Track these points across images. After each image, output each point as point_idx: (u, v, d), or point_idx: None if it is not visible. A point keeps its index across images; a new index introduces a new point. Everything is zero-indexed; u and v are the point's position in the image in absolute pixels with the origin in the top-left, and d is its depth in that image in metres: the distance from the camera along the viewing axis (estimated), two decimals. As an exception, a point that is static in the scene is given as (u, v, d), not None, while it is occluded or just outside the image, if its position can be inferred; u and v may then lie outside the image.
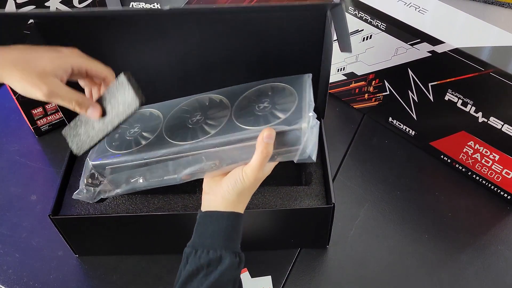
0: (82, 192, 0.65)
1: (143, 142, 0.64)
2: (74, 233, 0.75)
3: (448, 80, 0.78)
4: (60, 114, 0.97)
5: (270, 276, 0.76)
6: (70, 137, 0.64)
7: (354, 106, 1.01)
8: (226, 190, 0.59)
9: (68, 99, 0.55)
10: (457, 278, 0.76)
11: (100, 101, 0.59)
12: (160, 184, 0.64)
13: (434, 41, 0.77)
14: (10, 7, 0.76)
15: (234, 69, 0.78)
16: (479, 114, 0.78)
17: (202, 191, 0.63)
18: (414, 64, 0.82)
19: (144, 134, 0.66)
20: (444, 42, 0.76)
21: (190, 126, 0.64)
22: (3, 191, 0.89)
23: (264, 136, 0.56)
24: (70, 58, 0.56)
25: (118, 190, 0.65)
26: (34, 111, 0.93)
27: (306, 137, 0.57)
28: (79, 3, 0.81)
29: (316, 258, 0.79)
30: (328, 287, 0.75)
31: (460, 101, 0.79)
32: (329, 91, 1.00)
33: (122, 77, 0.57)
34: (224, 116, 0.63)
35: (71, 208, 0.74)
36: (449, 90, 0.79)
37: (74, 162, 0.80)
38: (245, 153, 0.59)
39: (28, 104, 0.92)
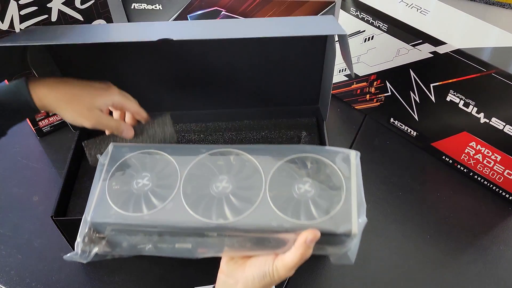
0: (76, 254, 0.54)
1: (155, 202, 0.54)
2: (77, 234, 0.75)
3: (450, 80, 0.79)
4: (62, 115, 0.97)
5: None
6: (91, 150, 0.67)
7: (356, 107, 1.01)
8: (250, 280, 0.52)
9: (109, 126, 0.66)
10: (459, 278, 0.76)
11: (136, 128, 0.66)
12: (171, 254, 0.55)
13: (436, 42, 0.77)
14: (12, 8, 0.76)
15: (236, 76, 0.79)
16: (481, 115, 0.78)
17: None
18: (415, 65, 0.82)
19: (157, 190, 0.56)
20: (446, 43, 0.76)
21: (214, 195, 0.54)
22: (5, 192, 0.89)
23: (308, 240, 0.49)
24: (112, 96, 0.65)
25: (118, 253, 0.56)
26: (36, 112, 0.93)
27: (353, 243, 0.51)
28: (81, 4, 0.82)
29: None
30: (330, 286, 0.75)
31: (462, 101, 0.79)
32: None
33: (166, 115, 0.65)
34: (257, 192, 0.54)
35: (74, 209, 0.74)
36: (451, 91, 0.79)
37: (77, 163, 0.80)
38: (278, 243, 0.52)
39: (30, 105, 0.92)
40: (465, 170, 0.88)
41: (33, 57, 0.69)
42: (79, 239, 0.54)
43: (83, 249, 0.54)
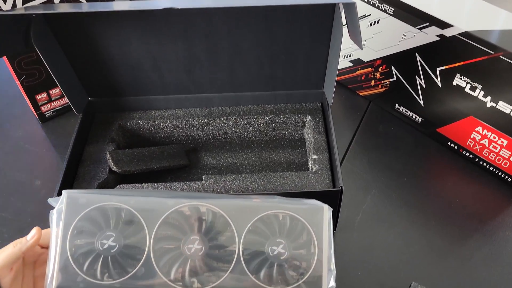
0: None
1: (125, 267, 0.51)
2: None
3: (456, 64, 0.78)
4: (65, 100, 0.97)
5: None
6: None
7: (360, 94, 1.01)
8: None
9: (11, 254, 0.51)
10: (464, 264, 0.76)
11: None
12: None
13: (443, 25, 0.76)
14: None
15: (240, 58, 0.78)
16: (488, 99, 0.77)
17: None
18: (422, 49, 0.81)
19: (125, 252, 0.52)
20: (453, 26, 0.75)
21: (187, 257, 0.52)
22: (7, 176, 0.89)
23: None
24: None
25: None
26: (38, 97, 0.93)
27: None
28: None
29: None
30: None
31: (469, 85, 0.78)
32: (335, 78, 0.99)
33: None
34: (231, 252, 0.53)
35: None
36: (458, 75, 0.79)
37: (80, 147, 0.79)
38: None
39: (32, 89, 0.91)
40: (470, 156, 0.87)
41: (36, 35, 0.68)
42: None
43: None
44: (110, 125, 0.84)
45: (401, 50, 0.85)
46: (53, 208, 0.54)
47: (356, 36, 0.63)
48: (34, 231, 0.53)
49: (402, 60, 0.86)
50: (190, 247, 0.52)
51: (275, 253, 0.53)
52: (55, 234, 0.52)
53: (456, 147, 0.89)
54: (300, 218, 0.54)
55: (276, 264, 0.53)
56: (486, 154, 0.84)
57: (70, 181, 0.75)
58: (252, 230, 0.53)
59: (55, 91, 0.94)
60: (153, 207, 0.53)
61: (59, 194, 0.68)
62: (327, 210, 0.55)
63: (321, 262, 0.53)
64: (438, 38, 0.78)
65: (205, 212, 0.54)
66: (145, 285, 0.51)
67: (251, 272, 0.52)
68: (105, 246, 0.52)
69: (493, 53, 0.72)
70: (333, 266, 0.53)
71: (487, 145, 0.83)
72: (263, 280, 0.52)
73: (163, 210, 0.53)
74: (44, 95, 0.93)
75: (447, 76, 0.80)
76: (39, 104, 0.94)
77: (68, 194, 0.53)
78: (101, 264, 0.51)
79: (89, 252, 0.51)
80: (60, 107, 0.97)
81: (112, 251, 0.51)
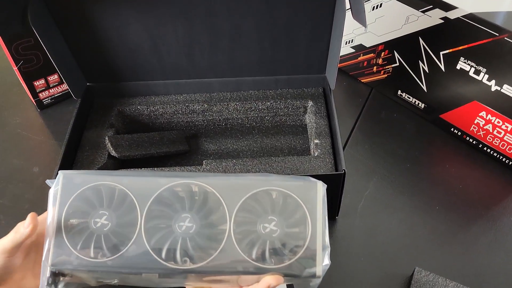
0: None
1: (117, 245, 0.51)
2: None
3: (460, 47, 0.77)
4: (63, 87, 0.96)
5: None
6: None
7: (362, 80, 0.99)
8: None
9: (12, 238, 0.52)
10: (469, 249, 0.75)
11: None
12: (137, 283, 0.54)
13: (447, 7, 0.75)
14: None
15: (241, 41, 0.77)
16: (492, 82, 0.76)
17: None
18: (425, 33, 0.80)
19: (117, 230, 0.52)
20: (457, 8, 0.74)
21: (178, 235, 0.52)
22: (4, 163, 0.88)
23: (271, 285, 0.50)
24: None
25: (86, 284, 0.55)
26: (36, 83, 0.92)
27: (317, 281, 0.52)
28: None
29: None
30: (336, 258, 0.74)
31: (473, 69, 0.77)
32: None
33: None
34: (222, 231, 0.52)
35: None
36: (462, 58, 0.78)
37: (79, 133, 0.78)
38: (242, 280, 0.53)
39: (30, 75, 0.90)
40: (474, 142, 0.86)
41: (33, 15, 0.67)
42: (43, 280, 0.52)
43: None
44: (109, 110, 0.82)
45: (404, 34, 0.84)
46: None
47: (359, 14, 0.61)
48: (29, 219, 0.52)
49: (405, 45, 0.85)
50: (181, 225, 0.52)
51: (267, 230, 0.52)
52: (51, 213, 0.53)
53: (459, 133, 0.88)
54: (293, 195, 0.53)
55: (268, 241, 0.51)
56: (490, 139, 0.83)
57: (68, 166, 0.74)
58: (243, 208, 0.52)
59: (53, 78, 0.93)
60: (145, 186, 0.53)
61: (57, 177, 0.68)
62: (321, 187, 0.53)
63: (315, 239, 0.51)
64: (442, 21, 0.77)
65: (197, 191, 0.53)
66: (136, 263, 0.51)
67: (243, 250, 0.51)
68: (98, 225, 0.52)
69: (498, 35, 0.71)
70: (327, 243, 0.52)
71: (491, 130, 0.82)
72: (255, 258, 0.51)
73: (155, 188, 0.53)
74: (42, 81, 0.92)
75: (451, 60, 0.79)
76: (37, 91, 0.93)
77: (64, 175, 0.53)
78: (94, 242, 0.51)
79: (83, 230, 0.52)
80: (58, 94, 0.96)
81: (104, 229, 0.52)
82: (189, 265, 0.51)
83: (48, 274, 0.51)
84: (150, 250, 0.51)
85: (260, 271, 0.51)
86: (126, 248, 0.51)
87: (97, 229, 0.52)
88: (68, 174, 0.54)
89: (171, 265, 0.51)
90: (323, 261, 0.51)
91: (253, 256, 0.51)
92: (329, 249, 0.51)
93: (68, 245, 0.51)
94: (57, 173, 0.59)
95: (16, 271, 0.56)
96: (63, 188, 0.53)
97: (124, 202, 0.53)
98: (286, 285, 0.65)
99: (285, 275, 0.51)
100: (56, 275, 0.52)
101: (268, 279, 0.50)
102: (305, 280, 0.52)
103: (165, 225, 0.52)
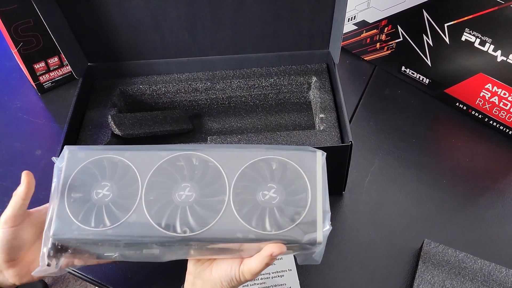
0: (43, 267, 0.53)
1: (118, 214, 0.52)
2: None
3: (465, 18, 0.76)
4: (63, 70, 0.95)
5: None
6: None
7: (365, 58, 0.99)
8: (218, 283, 0.53)
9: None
10: (477, 221, 0.74)
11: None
12: (138, 259, 0.54)
13: (451, -23, 0.74)
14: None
15: (243, 16, 0.76)
16: (498, 53, 0.75)
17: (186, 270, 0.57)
18: (429, 4, 0.79)
19: (118, 200, 0.52)
20: (462, -23, 0.73)
21: (178, 204, 0.52)
22: (6, 146, 0.87)
23: (274, 254, 0.49)
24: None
25: (90, 260, 0.56)
26: (36, 66, 0.91)
27: (319, 249, 0.51)
28: None
29: (332, 204, 0.75)
30: (344, 232, 0.73)
31: (478, 40, 0.76)
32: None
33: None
34: (221, 200, 0.52)
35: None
36: (466, 29, 0.77)
37: (81, 112, 0.77)
38: (244, 251, 0.52)
39: (29, 58, 0.89)
40: (479, 116, 0.86)
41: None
42: (44, 251, 0.52)
43: (50, 261, 0.52)
44: (111, 90, 0.81)
45: (407, 7, 0.83)
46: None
47: None
48: (23, 176, 0.54)
49: (409, 19, 0.84)
50: (181, 194, 0.52)
51: (267, 197, 0.52)
52: (55, 186, 0.54)
53: (464, 108, 0.87)
54: (293, 163, 0.53)
55: (268, 208, 0.51)
56: (496, 112, 0.82)
57: (72, 144, 0.73)
58: (243, 177, 0.52)
59: (53, 60, 0.92)
60: (147, 158, 0.54)
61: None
62: (320, 155, 0.53)
63: (315, 206, 0.51)
64: (446, -9, 0.76)
65: (197, 161, 0.53)
66: (135, 232, 0.51)
67: (242, 217, 0.51)
68: (100, 195, 0.53)
69: (503, 2, 0.70)
70: (328, 209, 0.51)
71: (497, 103, 0.81)
72: (255, 225, 0.51)
73: (156, 160, 0.54)
74: (42, 64, 0.91)
75: (456, 32, 0.78)
76: (38, 74, 0.92)
77: (69, 150, 0.55)
78: (95, 212, 0.52)
79: (85, 201, 0.53)
80: (59, 77, 0.95)
81: (106, 199, 0.53)
82: (188, 233, 0.51)
83: (49, 245, 0.52)
84: (150, 219, 0.51)
85: (260, 238, 0.50)
86: (126, 217, 0.51)
87: (99, 200, 0.53)
88: (73, 149, 0.55)
89: (171, 233, 0.51)
90: (324, 226, 0.50)
91: (253, 223, 0.51)
92: (329, 214, 0.51)
93: (70, 215, 0.52)
94: (61, 150, 0.60)
95: (26, 251, 0.57)
96: (68, 163, 0.54)
97: (126, 174, 0.53)
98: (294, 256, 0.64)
99: (287, 243, 0.50)
100: (57, 250, 0.52)
101: (270, 247, 0.50)
102: (307, 248, 0.51)
103: (165, 195, 0.52)
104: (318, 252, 0.51)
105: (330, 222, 0.51)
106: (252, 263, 0.50)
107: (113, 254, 0.54)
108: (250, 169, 0.53)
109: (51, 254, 0.52)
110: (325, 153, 0.54)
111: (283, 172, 0.53)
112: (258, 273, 0.51)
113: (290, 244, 0.51)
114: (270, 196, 0.52)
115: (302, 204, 0.51)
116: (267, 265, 0.50)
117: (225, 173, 0.53)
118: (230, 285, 0.53)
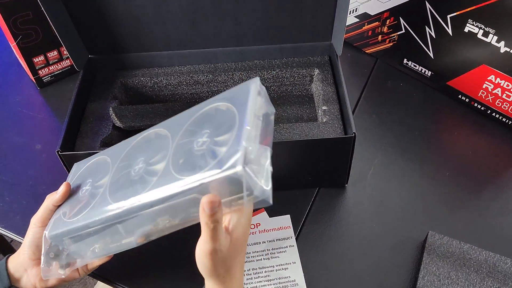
0: (46, 269, 0.57)
1: (90, 201, 0.54)
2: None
3: (468, 9, 0.75)
4: (63, 64, 0.94)
5: (289, 215, 0.73)
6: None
7: (367, 51, 0.98)
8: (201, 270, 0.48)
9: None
10: (481, 214, 0.74)
11: None
12: (119, 249, 0.55)
13: (454, -33, 0.74)
14: None
15: (246, 4, 0.75)
16: (501, 44, 0.75)
17: None
18: (432, -4, 0.79)
19: (94, 191, 0.55)
20: (465, -33, 0.72)
21: (132, 179, 0.51)
22: (6, 141, 0.86)
23: (204, 207, 0.43)
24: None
25: (84, 259, 0.58)
26: (36, 60, 0.90)
27: (246, 181, 0.42)
28: None
29: (335, 197, 0.76)
30: (348, 225, 0.73)
31: (481, 31, 0.76)
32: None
33: None
34: (162, 160, 0.49)
35: (80, 148, 0.71)
36: (469, 20, 0.76)
37: (82, 104, 0.77)
38: (191, 206, 0.46)
39: (29, 51, 0.88)
40: (482, 108, 0.85)
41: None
42: (43, 256, 0.57)
43: (50, 263, 0.57)
44: (112, 83, 0.81)
45: (410, -1, 0.83)
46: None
47: None
48: (62, 186, 0.57)
49: (411, 10, 0.84)
50: (135, 169, 0.52)
51: (199, 144, 0.47)
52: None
53: (467, 100, 0.87)
54: (226, 103, 0.48)
55: (199, 155, 0.46)
56: (498, 104, 0.82)
57: (72, 137, 0.72)
58: (184, 135, 0.49)
59: (52, 54, 0.91)
60: (120, 149, 0.57)
61: (61, 148, 0.67)
62: (255, 81, 0.47)
63: (240, 138, 0.43)
64: (449, -18, 0.75)
65: (156, 137, 0.53)
66: (95, 215, 0.51)
67: (177, 170, 0.46)
68: (83, 192, 0.56)
69: (507, -7, 0.69)
70: (258, 133, 0.45)
71: (500, 95, 0.80)
72: (184, 173, 0.46)
73: (125, 148, 0.56)
74: (42, 58, 0.90)
75: (459, 23, 0.78)
76: (37, 68, 0.91)
77: (75, 165, 0.63)
78: (78, 207, 0.55)
79: (74, 201, 0.57)
80: (58, 71, 0.94)
81: (86, 193, 0.56)
82: (136, 203, 0.48)
83: (48, 247, 0.57)
84: (109, 199, 0.51)
85: (194, 185, 0.44)
86: (93, 203, 0.53)
87: (82, 196, 0.56)
88: (78, 163, 0.62)
89: (120, 205, 0.49)
90: (264, 163, 0.43)
91: (186, 173, 0.45)
92: (269, 151, 0.44)
93: (61, 215, 0.56)
94: (61, 145, 0.68)
95: None
96: (73, 176, 0.61)
97: (103, 167, 0.57)
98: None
99: (217, 185, 0.43)
100: (57, 252, 0.57)
101: (201, 202, 0.43)
102: (232, 181, 0.43)
103: (125, 175, 0.53)
104: (259, 189, 0.43)
105: (269, 149, 0.44)
106: (201, 237, 0.46)
107: (96, 248, 0.56)
108: (192, 126, 0.49)
109: (51, 256, 0.57)
110: (258, 78, 0.49)
111: (217, 116, 0.48)
112: (211, 243, 0.45)
113: (224, 188, 0.44)
114: (203, 142, 0.47)
115: (227, 139, 0.45)
116: (210, 228, 0.44)
117: (171, 137, 0.50)
118: (204, 272, 0.48)
